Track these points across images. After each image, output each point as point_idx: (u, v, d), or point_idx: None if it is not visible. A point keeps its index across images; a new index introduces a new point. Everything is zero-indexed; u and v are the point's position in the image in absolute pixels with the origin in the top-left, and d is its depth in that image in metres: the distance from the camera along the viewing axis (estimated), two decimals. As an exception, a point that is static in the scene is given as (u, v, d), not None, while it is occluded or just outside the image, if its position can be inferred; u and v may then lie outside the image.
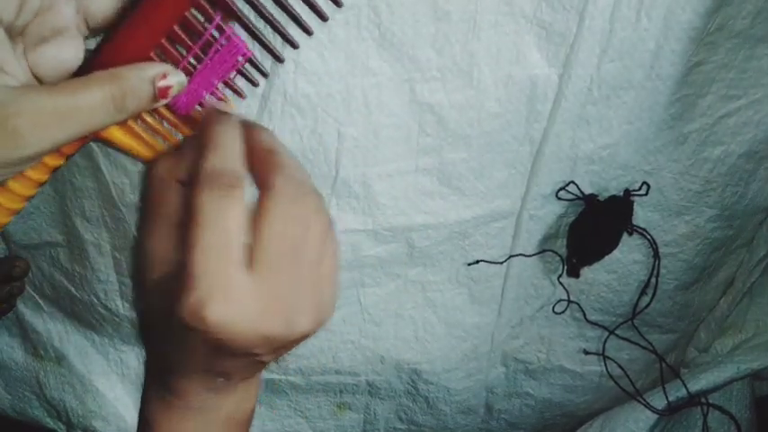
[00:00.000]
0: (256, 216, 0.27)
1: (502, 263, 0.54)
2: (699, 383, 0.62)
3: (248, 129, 0.30)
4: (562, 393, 0.66)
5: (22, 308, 0.56)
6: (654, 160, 0.51)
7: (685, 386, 0.61)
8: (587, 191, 0.51)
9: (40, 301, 0.55)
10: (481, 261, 0.53)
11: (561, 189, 0.50)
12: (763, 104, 0.48)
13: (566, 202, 0.51)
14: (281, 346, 0.30)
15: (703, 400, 0.62)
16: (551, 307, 0.60)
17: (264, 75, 0.34)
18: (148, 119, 0.32)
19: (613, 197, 0.52)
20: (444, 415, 0.63)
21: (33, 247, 0.50)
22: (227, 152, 0.28)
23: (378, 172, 0.44)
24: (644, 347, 0.63)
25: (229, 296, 0.26)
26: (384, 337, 0.55)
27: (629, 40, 0.42)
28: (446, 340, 0.57)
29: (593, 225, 0.52)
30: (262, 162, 0.29)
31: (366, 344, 0.56)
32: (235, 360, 0.29)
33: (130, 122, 0.31)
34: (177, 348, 0.29)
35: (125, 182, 0.45)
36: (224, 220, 0.26)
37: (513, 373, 0.64)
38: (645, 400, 0.62)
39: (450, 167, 0.46)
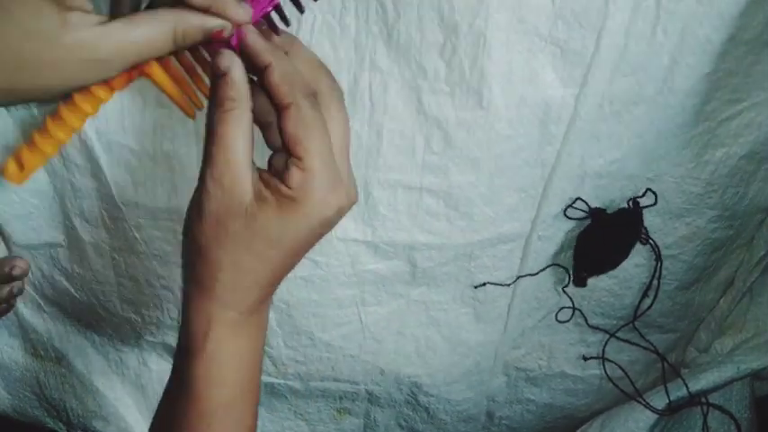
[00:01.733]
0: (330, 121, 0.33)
1: (509, 285, 0.54)
2: (699, 383, 0.62)
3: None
4: (563, 397, 0.66)
5: (22, 308, 0.55)
6: (656, 167, 0.50)
7: (686, 386, 0.61)
8: (593, 203, 0.50)
9: (40, 301, 0.55)
10: (488, 284, 0.52)
11: (569, 207, 0.49)
12: (765, 107, 0.48)
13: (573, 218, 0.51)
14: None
15: (703, 399, 0.62)
16: (554, 315, 0.59)
17: (301, 10, 0.36)
18: (188, 62, 0.37)
19: (622, 210, 0.51)
20: (445, 423, 0.63)
21: (33, 247, 0.50)
22: (302, 75, 0.33)
23: (379, 178, 0.44)
24: (645, 348, 0.63)
25: (341, 184, 0.34)
26: (384, 352, 0.55)
27: (643, 54, 0.41)
28: (449, 357, 0.57)
29: (603, 238, 0.51)
30: (314, 74, 0.34)
31: (366, 358, 0.55)
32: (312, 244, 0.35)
33: (173, 65, 0.37)
34: (288, 252, 0.34)
35: (127, 179, 0.45)
36: (324, 126, 0.33)
37: (514, 381, 0.64)
38: (645, 400, 0.62)
39: (457, 191, 0.45)
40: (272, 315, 0.51)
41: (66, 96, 0.36)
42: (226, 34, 0.32)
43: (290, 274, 0.46)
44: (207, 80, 0.38)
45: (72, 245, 0.50)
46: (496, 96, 0.40)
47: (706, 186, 0.52)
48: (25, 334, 0.58)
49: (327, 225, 0.34)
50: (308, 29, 0.38)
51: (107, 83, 0.35)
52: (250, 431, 0.38)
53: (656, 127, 0.46)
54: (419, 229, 0.47)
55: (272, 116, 0.34)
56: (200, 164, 0.33)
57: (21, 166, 0.38)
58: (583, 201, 0.49)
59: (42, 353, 0.59)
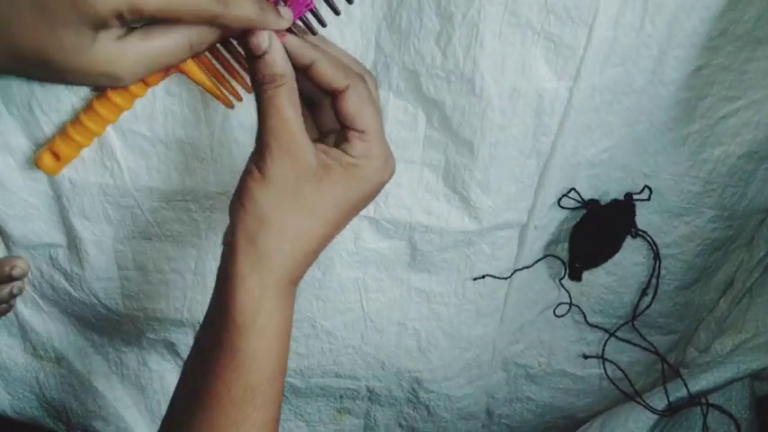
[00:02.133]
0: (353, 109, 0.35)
1: (507, 278, 0.54)
2: (699, 384, 0.62)
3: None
4: (563, 396, 0.66)
5: (22, 308, 0.55)
6: (654, 162, 0.51)
7: (686, 386, 0.61)
8: (588, 195, 0.51)
9: (40, 301, 0.55)
10: (487, 276, 0.53)
11: (563, 197, 0.50)
12: (762, 105, 0.48)
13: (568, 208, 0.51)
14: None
15: (703, 400, 0.62)
16: (552, 310, 0.60)
17: (336, 12, 0.37)
18: (223, 57, 0.38)
19: (615, 201, 0.52)
20: (445, 421, 0.63)
21: (33, 247, 0.50)
22: (276, 53, 0.34)
23: None
24: (645, 348, 0.63)
25: (391, 159, 0.37)
26: (386, 345, 0.55)
27: (632, 46, 0.42)
28: (449, 351, 0.57)
29: (596, 229, 0.52)
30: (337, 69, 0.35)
31: (367, 350, 0.56)
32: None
33: (207, 59, 0.38)
34: (344, 216, 0.37)
35: (141, 164, 0.45)
36: (377, 104, 0.36)
37: (513, 378, 0.64)
38: (645, 401, 0.62)
39: (454, 170, 0.46)
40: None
41: (100, 90, 0.38)
42: (263, 47, 0.33)
43: None
44: (242, 72, 0.40)
45: (71, 245, 0.50)
46: (489, 85, 0.41)
47: (705, 185, 0.52)
48: (25, 334, 0.58)
49: (379, 191, 0.37)
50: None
51: (142, 80, 0.36)
52: (279, 404, 0.39)
53: (648, 118, 0.47)
54: (419, 208, 0.47)
55: (317, 100, 0.37)
56: (256, 139, 0.35)
57: (56, 157, 0.41)
58: (576, 191, 0.50)
59: (42, 353, 0.59)
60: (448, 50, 0.40)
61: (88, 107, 0.40)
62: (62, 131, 0.41)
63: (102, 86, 0.35)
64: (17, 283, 0.50)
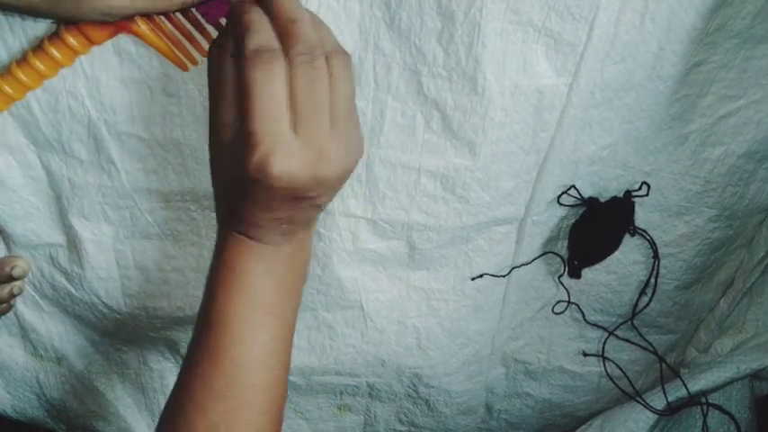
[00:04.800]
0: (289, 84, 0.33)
1: (505, 276, 0.54)
2: (699, 383, 0.62)
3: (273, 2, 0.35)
4: (562, 394, 0.66)
5: (22, 308, 0.55)
6: (654, 161, 0.51)
7: (685, 386, 0.61)
8: (588, 192, 0.51)
9: (40, 301, 0.55)
10: (485, 275, 0.53)
11: (563, 194, 0.50)
12: (762, 105, 0.48)
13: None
14: (332, 186, 0.36)
15: (703, 400, 0.62)
16: (551, 308, 0.60)
17: None
18: (179, 22, 0.38)
19: (614, 198, 0.52)
20: (445, 417, 0.63)
21: (33, 247, 0.50)
22: (262, 31, 0.33)
23: (380, 156, 0.45)
24: (644, 348, 0.63)
25: (286, 151, 0.33)
26: (386, 343, 0.56)
27: (632, 42, 0.42)
28: (448, 348, 0.57)
29: (595, 227, 0.52)
30: (283, 33, 0.34)
31: (368, 349, 0.56)
32: (295, 205, 0.36)
33: (162, 24, 0.37)
34: (249, 202, 0.35)
35: (138, 167, 0.45)
36: (270, 89, 0.32)
37: (513, 374, 0.64)
38: (644, 400, 0.62)
39: (454, 174, 0.46)
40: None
41: (37, 45, 0.37)
42: None
43: None
44: (200, 39, 0.39)
45: (71, 244, 0.50)
46: (491, 84, 0.41)
47: (705, 185, 0.52)
48: (25, 334, 0.58)
49: (281, 189, 0.34)
50: (314, 12, 0.39)
51: (85, 35, 0.36)
52: (283, 372, 0.40)
53: (648, 115, 0.47)
54: (417, 209, 0.47)
55: None
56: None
57: None
58: (576, 189, 0.50)
59: (42, 353, 0.59)
60: (450, 49, 0.40)
61: (21, 60, 0.38)
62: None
63: (91, 20, 0.34)
64: (17, 283, 0.50)
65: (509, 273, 0.54)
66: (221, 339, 0.38)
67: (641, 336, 0.62)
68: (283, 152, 0.33)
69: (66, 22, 0.36)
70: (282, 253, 0.39)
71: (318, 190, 0.36)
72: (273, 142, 0.33)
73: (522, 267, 0.54)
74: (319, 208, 0.39)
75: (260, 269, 0.38)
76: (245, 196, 0.36)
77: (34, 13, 0.33)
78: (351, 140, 0.36)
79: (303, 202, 0.36)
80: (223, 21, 0.37)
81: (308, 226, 0.41)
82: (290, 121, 0.33)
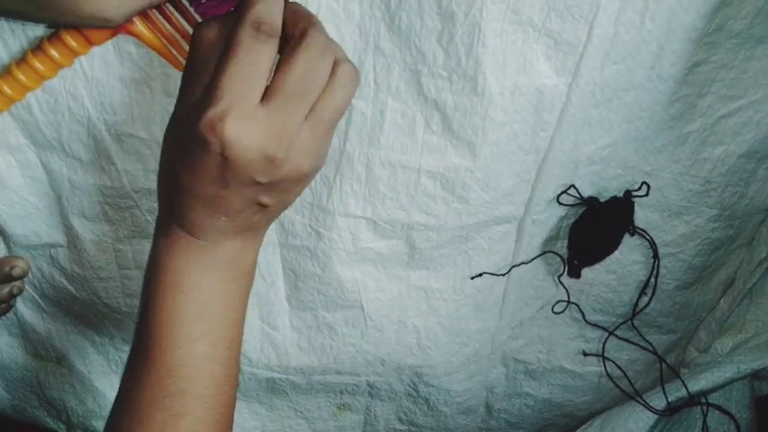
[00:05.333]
0: (282, 60, 0.32)
1: (504, 275, 0.54)
2: (699, 383, 0.62)
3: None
4: (562, 393, 0.66)
5: (22, 308, 0.56)
6: (654, 161, 0.51)
7: (685, 386, 0.61)
8: (588, 191, 0.51)
9: (40, 301, 0.55)
10: (485, 273, 0.53)
11: (562, 193, 0.50)
12: (762, 105, 0.48)
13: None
14: (283, 181, 0.34)
15: (703, 400, 0.62)
16: (551, 307, 0.60)
17: None
18: (177, 23, 0.38)
19: (614, 198, 0.52)
20: (444, 416, 0.63)
21: (33, 247, 0.50)
22: (272, 6, 0.32)
23: (380, 156, 0.45)
24: (644, 348, 0.63)
25: (244, 116, 0.31)
26: (386, 342, 0.56)
27: (632, 42, 0.42)
28: (448, 347, 0.57)
29: (595, 226, 0.52)
30: (297, 17, 0.33)
31: (368, 348, 0.56)
32: (237, 192, 0.34)
33: (161, 25, 0.37)
34: (187, 170, 0.33)
35: (138, 168, 0.45)
36: (256, 57, 0.31)
37: (513, 374, 0.64)
38: (644, 400, 0.62)
39: (454, 174, 0.46)
40: (281, 285, 0.52)
41: (37, 46, 0.36)
42: None
43: (297, 242, 0.49)
44: None
45: (72, 245, 0.50)
46: (491, 84, 0.41)
47: (705, 185, 0.52)
48: (25, 334, 0.58)
49: (228, 160, 0.32)
50: (314, 13, 0.38)
51: (84, 36, 0.35)
52: (227, 378, 0.38)
53: (648, 115, 0.47)
54: (417, 209, 0.47)
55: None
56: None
57: None
58: (575, 188, 0.50)
59: (42, 353, 0.59)
60: (450, 49, 0.40)
61: (21, 60, 0.38)
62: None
63: (90, 27, 0.34)
64: (17, 283, 0.50)
65: (509, 272, 0.54)
66: (155, 345, 0.36)
67: (641, 336, 0.62)
68: (242, 114, 0.31)
69: (67, 27, 0.36)
70: (218, 257, 0.37)
71: (268, 176, 0.34)
72: (235, 100, 0.31)
73: (521, 267, 0.54)
74: (263, 208, 0.36)
75: (193, 269, 0.36)
76: (187, 168, 0.33)
77: (34, 19, 0.33)
78: (320, 148, 0.35)
79: (245, 189, 0.34)
80: None
81: (251, 229, 0.38)
82: (261, 95, 0.32)
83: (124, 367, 0.38)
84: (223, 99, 0.31)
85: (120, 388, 0.38)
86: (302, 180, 0.36)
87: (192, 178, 0.34)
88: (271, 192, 0.35)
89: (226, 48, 0.31)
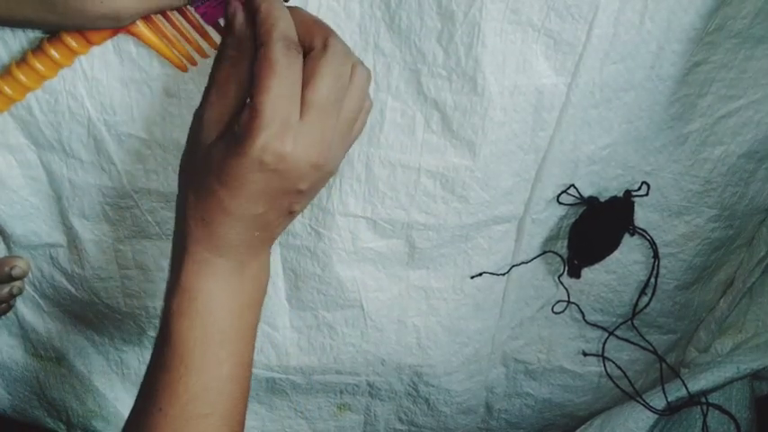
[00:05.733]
0: (310, 71, 0.33)
1: (504, 274, 0.54)
2: (699, 383, 0.62)
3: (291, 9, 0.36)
4: (562, 393, 0.66)
5: (22, 308, 0.55)
6: (654, 161, 0.51)
7: (685, 386, 0.61)
8: (588, 191, 0.51)
9: (40, 301, 0.55)
10: (484, 273, 0.53)
11: (562, 193, 0.50)
12: (762, 105, 0.48)
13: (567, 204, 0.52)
14: (315, 184, 0.36)
15: (703, 399, 0.62)
16: (551, 307, 0.60)
17: None
18: (178, 23, 0.38)
19: (614, 198, 0.52)
20: (444, 416, 0.63)
21: (33, 247, 0.50)
22: (289, 25, 0.34)
23: (380, 156, 0.45)
24: (644, 348, 0.63)
25: (293, 133, 0.33)
26: (386, 342, 0.56)
27: (631, 42, 0.42)
28: (449, 347, 0.57)
29: (595, 226, 0.52)
30: (314, 27, 0.35)
31: (368, 348, 0.56)
32: (279, 200, 0.35)
33: (161, 25, 0.37)
34: (237, 194, 0.34)
35: (138, 167, 0.45)
36: (294, 74, 0.33)
37: (513, 374, 0.64)
38: (644, 400, 0.62)
39: (453, 174, 0.46)
40: (281, 285, 0.52)
41: (37, 46, 0.37)
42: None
43: (297, 243, 0.49)
44: (198, 40, 0.39)
45: (72, 245, 0.50)
46: (490, 84, 0.41)
47: (705, 185, 0.52)
48: (25, 334, 0.58)
49: (280, 172, 0.34)
50: (314, 13, 0.39)
51: (84, 36, 0.36)
52: (243, 395, 0.38)
53: (648, 115, 0.47)
54: (417, 209, 0.47)
55: None
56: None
57: None
58: (575, 188, 0.50)
59: (42, 353, 0.59)
60: (450, 49, 0.40)
61: (21, 60, 0.38)
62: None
63: (97, 28, 0.35)
64: (17, 283, 0.50)
65: (508, 271, 0.54)
66: (178, 368, 0.36)
67: (641, 336, 0.62)
68: (292, 133, 0.33)
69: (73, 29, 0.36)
70: (245, 275, 0.38)
71: (309, 182, 0.35)
72: (283, 123, 0.32)
73: (521, 266, 0.54)
74: (292, 216, 0.38)
75: (222, 292, 0.37)
76: (235, 189, 0.34)
77: (41, 24, 0.33)
78: (345, 144, 0.37)
79: (287, 199, 0.36)
80: (222, 22, 0.37)
81: (272, 241, 0.40)
82: (300, 108, 0.33)
83: (139, 390, 0.38)
84: (274, 121, 0.32)
85: (134, 410, 0.38)
86: (327, 180, 0.38)
87: (238, 199, 0.35)
88: (305, 197, 0.37)
89: (261, 69, 0.32)
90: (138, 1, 0.32)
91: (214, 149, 0.35)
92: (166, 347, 0.36)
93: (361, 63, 0.36)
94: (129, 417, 0.38)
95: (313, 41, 0.34)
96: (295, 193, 0.36)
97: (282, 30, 0.33)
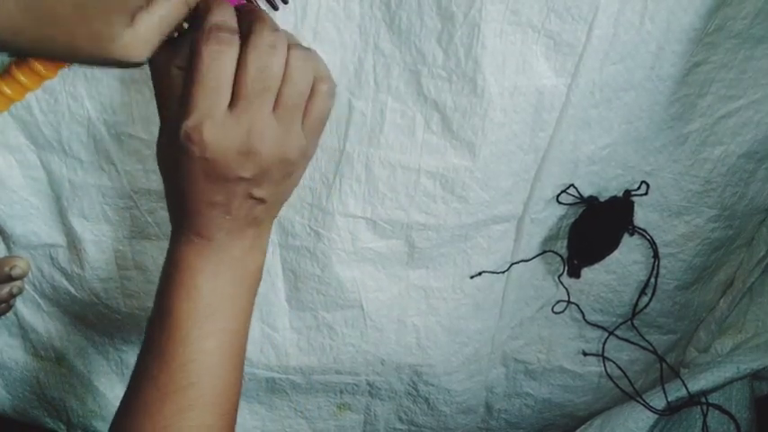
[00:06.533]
0: (237, 62, 0.34)
1: (503, 272, 0.54)
2: (698, 383, 0.62)
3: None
4: (562, 394, 0.66)
5: (22, 308, 0.56)
6: (654, 161, 0.51)
7: (685, 386, 0.61)
8: (588, 191, 0.51)
9: (40, 301, 0.55)
10: (484, 272, 0.53)
11: (562, 193, 0.50)
12: (762, 105, 0.48)
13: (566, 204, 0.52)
14: (266, 170, 0.36)
15: (703, 399, 0.62)
16: (551, 307, 0.60)
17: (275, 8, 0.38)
18: None
19: (614, 198, 0.52)
20: (444, 415, 0.63)
21: (33, 247, 0.50)
22: (224, 12, 0.34)
23: (380, 156, 0.45)
24: (644, 348, 0.63)
25: (215, 123, 0.34)
26: (386, 342, 0.56)
27: (631, 43, 0.42)
28: (448, 346, 0.57)
29: (594, 226, 0.52)
30: (244, 16, 0.35)
31: (367, 348, 0.56)
32: (228, 188, 0.36)
33: None
34: (183, 179, 0.36)
35: (138, 168, 0.45)
36: (219, 65, 0.33)
37: (513, 374, 0.64)
38: (644, 400, 0.62)
39: (453, 174, 0.46)
40: (281, 286, 0.52)
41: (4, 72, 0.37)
42: None
43: (297, 243, 0.49)
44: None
45: (71, 245, 0.50)
46: (490, 85, 0.41)
47: (705, 185, 0.52)
48: (25, 334, 0.58)
49: (209, 160, 0.35)
50: (314, 14, 0.39)
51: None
52: (234, 372, 0.40)
53: (648, 115, 0.47)
54: (416, 209, 0.47)
55: None
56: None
57: None
58: (575, 188, 0.50)
59: (42, 353, 0.59)
60: (449, 50, 0.40)
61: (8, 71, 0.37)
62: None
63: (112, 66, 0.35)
64: (17, 283, 0.50)
65: (508, 269, 0.54)
66: (169, 340, 0.38)
67: (641, 336, 0.62)
68: (214, 121, 0.34)
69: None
70: (230, 254, 0.39)
71: (250, 170, 0.36)
72: (206, 111, 0.33)
73: (521, 266, 0.54)
74: (260, 201, 0.39)
75: (206, 269, 0.38)
76: (182, 176, 0.36)
77: (50, 54, 0.34)
78: (297, 134, 0.37)
79: (236, 186, 0.37)
80: None
81: (255, 224, 0.40)
82: (228, 98, 0.34)
83: (134, 367, 0.40)
84: (196, 109, 0.33)
85: (129, 385, 0.39)
86: (291, 168, 0.38)
87: (187, 183, 0.36)
88: (260, 184, 0.37)
89: (190, 61, 0.33)
90: (151, 37, 0.32)
91: (161, 137, 0.37)
92: (157, 320, 0.38)
93: (299, 46, 0.36)
94: (124, 394, 0.40)
95: (247, 25, 0.35)
96: (239, 180, 0.36)
97: (210, 21, 0.33)
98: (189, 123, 0.34)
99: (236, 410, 0.41)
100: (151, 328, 0.39)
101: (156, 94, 0.38)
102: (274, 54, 0.34)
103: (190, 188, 0.36)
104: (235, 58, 0.33)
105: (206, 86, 0.33)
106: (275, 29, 0.35)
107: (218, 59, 0.33)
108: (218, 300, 0.39)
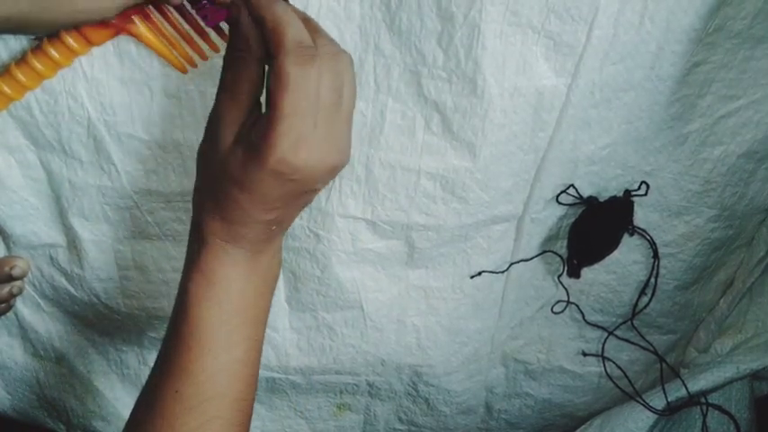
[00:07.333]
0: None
1: (503, 272, 0.54)
2: (698, 383, 0.62)
3: None
4: (562, 394, 0.66)
5: (22, 308, 0.55)
6: (654, 161, 0.51)
7: (685, 386, 0.61)
8: (588, 191, 0.51)
9: (40, 301, 0.55)
10: (484, 272, 0.53)
11: (561, 193, 0.50)
12: (762, 105, 0.48)
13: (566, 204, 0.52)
14: (332, 179, 0.37)
15: (703, 400, 0.62)
16: (551, 307, 0.60)
17: None
18: (178, 25, 0.38)
19: (613, 198, 0.52)
20: (444, 416, 0.63)
21: (33, 247, 0.50)
22: (299, 27, 0.33)
23: (380, 157, 0.45)
24: (644, 348, 0.63)
25: (308, 144, 0.33)
26: (386, 342, 0.56)
27: (631, 43, 0.42)
28: (448, 346, 0.57)
29: (594, 226, 0.52)
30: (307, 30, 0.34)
31: (367, 348, 0.56)
32: (294, 202, 0.36)
33: (161, 26, 0.38)
34: (250, 200, 0.35)
35: (138, 168, 0.45)
36: (307, 85, 0.32)
37: (512, 374, 0.64)
38: (644, 400, 0.62)
39: (453, 175, 0.46)
40: (281, 287, 0.52)
41: (36, 46, 0.37)
42: None
43: (296, 245, 0.49)
44: (198, 42, 0.39)
45: (71, 245, 0.50)
46: (490, 86, 0.41)
47: (704, 185, 0.52)
48: (25, 334, 0.58)
49: (297, 180, 0.34)
50: (314, 14, 0.39)
51: (84, 36, 0.36)
52: (254, 379, 0.39)
53: (647, 115, 0.47)
54: (417, 210, 0.48)
55: None
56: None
57: None
58: (575, 188, 0.50)
59: (42, 353, 0.59)
60: (450, 50, 0.40)
61: (21, 60, 0.38)
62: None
63: (86, 22, 0.35)
64: (17, 283, 0.50)
65: (507, 269, 0.54)
66: (194, 350, 0.36)
67: (641, 336, 0.62)
68: (309, 144, 0.33)
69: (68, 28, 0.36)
70: (260, 262, 0.38)
71: (325, 181, 0.36)
72: (300, 135, 0.33)
73: (521, 266, 0.54)
74: (305, 206, 0.39)
75: (240, 277, 0.38)
76: (253, 195, 0.35)
77: (37, 25, 0.33)
78: (350, 133, 0.37)
79: (304, 198, 0.37)
80: (224, 25, 0.37)
81: (284, 232, 0.40)
82: (317, 116, 0.33)
83: (148, 381, 0.38)
84: (288, 135, 0.32)
85: (145, 400, 0.38)
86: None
87: (257, 204, 0.35)
88: (318, 191, 0.38)
89: (273, 84, 0.32)
90: None
91: (231, 156, 0.35)
92: (185, 329, 0.37)
93: (343, 50, 0.35)
94: (139, 398, 0.39)
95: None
96: (312, 192, 0.37)
97: (293, 37, 0.32)
98: (282, 149, 0.32)
99: (250, 418, 0.40)
100: (173, 339, 0.37)
101: (219, 94, 0.36)
102: (339, 59, 0.34)
103: (254, 208, 0.35)
104: (318, 74, 0.33)
105: (296, 111, 0.32)
106: (327, 33, 0.35)
107: (306, 80, 0.32)
108: (248, 306, 0.38)
